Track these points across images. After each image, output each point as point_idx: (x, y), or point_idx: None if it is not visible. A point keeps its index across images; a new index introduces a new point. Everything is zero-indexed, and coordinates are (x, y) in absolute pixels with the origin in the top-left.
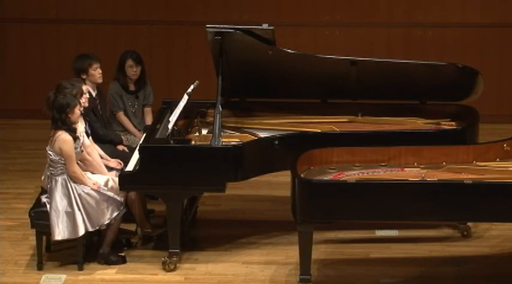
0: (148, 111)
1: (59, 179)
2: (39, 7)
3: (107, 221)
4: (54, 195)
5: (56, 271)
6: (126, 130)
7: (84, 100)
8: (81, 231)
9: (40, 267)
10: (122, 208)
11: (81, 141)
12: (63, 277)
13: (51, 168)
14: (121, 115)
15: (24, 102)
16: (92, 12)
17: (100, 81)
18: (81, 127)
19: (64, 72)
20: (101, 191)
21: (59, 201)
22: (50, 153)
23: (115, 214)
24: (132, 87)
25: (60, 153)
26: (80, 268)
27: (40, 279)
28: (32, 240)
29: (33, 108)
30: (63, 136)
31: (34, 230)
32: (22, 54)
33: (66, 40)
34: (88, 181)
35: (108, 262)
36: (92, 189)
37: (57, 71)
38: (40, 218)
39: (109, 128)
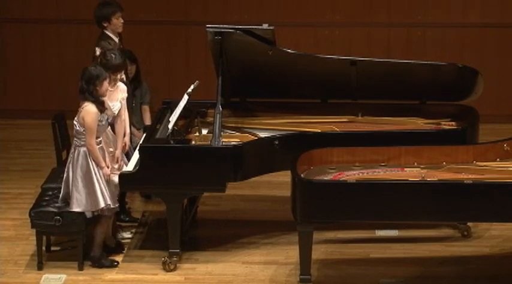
0: (146, 108)
1: (81, 150)
2: (40, 7)
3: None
4: (76, 165)
5: (56, 271)
6: None
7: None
8: (101, 204)
9: (40, 267)
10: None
11: (112, 112)
12: (63, 277)
13: (75, 139)
14: None
15: (25, 102)
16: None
17: (121, 30)
18: (121, 94)
19: (65, 73)
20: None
21: (79, 173)
22: (75, 123)
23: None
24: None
25: (83, 124)
26: (80, 268)
27: (40, 279)
28: (32, 240)
29: (34, 108)
30: (88, 108)
31: (34, 230)
32: (22, 54)
33: (66, 40)
34: (102, 162)
35: (100, 265)
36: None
37: (58, 71)
38: (40, 218)
39: None
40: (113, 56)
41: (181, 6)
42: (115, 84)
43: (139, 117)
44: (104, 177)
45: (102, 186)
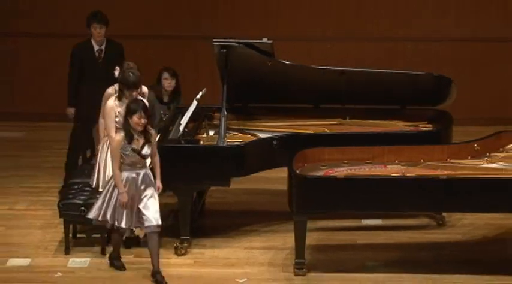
0: None
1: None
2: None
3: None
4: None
5: (81, 255)
6: None
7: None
8: (97, 216)
9: (67, 252)
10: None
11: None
12: (88, 260)
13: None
14: None
15: (54, 107)
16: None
17: (97, 39)
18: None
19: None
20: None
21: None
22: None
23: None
24: (166, 99)
25: None
26: (103, 252)
27: (67, 262)
28: (60, 228)
29: (62, 112)
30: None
31: (62, 219)
32: (53, 64)
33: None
34: (122, 188)
35: (111, 264)
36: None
37: None
38: (67, 209)
39: None
40: (130, 74)
41: (190, 22)
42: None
43: None
44: (119, 201)
45: (107, 201)
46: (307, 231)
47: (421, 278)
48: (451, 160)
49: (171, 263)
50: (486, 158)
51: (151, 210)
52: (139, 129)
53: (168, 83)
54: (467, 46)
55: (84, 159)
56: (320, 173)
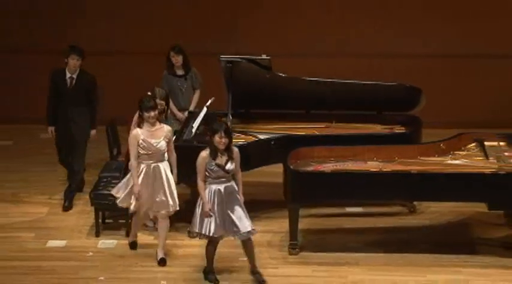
0: (197, 92)
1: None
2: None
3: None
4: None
5: (109, 237)
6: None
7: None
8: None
9: (97, 234)
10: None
11: (155, 147)
12: (115, 242)
13: None
14: None
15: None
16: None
17: (74, 69)
18: (165, 133)
19: (115, 89)
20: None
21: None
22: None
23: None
24: (180, 72)
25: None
26: (128, 235)
27: (98, 243)
28: (92, 215)
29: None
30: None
31: (93, 207)
32: None
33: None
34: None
35: (206, 278)
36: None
37: (112, 87)
38: (98, 199)
39: None
40: (146, 99)
41: (199, 40)
42: (150, 123)
43: (188, 100)
44: (203, 211)
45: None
46: (300, 217)
47: (396, 256)
48: (421, 158)
49: (184, 244)
50: (450, 156)
51: (242, 219)
52: (221, 147)
53: (176, 60)
54: (434, 61)
55: (112, 157)
56: (311, 168)
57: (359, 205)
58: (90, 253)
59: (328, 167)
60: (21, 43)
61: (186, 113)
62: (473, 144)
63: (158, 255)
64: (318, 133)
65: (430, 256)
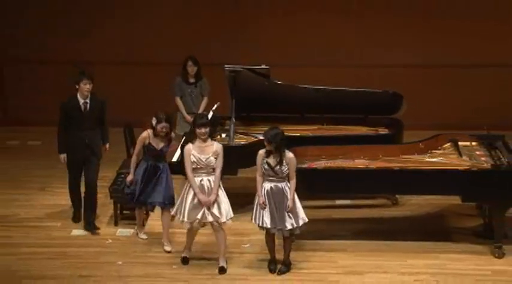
0: (205, 99)
1: None
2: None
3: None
4: None
5: (126, 226)
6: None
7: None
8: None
9: (116, 224)
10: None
11: (204, 162)
12: (131, 230)
13: None
14: (177, 100)
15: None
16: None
17: (86, 94)
18: (214, 150)
19: (131, 95)
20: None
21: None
22: None
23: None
24: (192, 80)
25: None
26: (143, 225)
27: (116, 232)
28: (111, 207)
29: (112, 120)
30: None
31: (112, 200)
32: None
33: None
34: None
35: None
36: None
37: (130, 93)
38: (116, 193)
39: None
40: (198, 116)
41: (205, 52)
42: (202, 139)
43: (197, 105)
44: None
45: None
46: None
47: (380, 244)
48: (402, 156)
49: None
50: (428, 154)
51: (292, 215)
52: (268, 148)
53: (191, 69)
54: (414, 71)
55: (129, 155)
56: (305, 165)
57: (347, 198)
58: (109, 241)
59: (321, 164)
60: (48, 54)
61: None
62: (449, 144)
63: (219, 263)
64: (311, 134)
65: (411, 243)
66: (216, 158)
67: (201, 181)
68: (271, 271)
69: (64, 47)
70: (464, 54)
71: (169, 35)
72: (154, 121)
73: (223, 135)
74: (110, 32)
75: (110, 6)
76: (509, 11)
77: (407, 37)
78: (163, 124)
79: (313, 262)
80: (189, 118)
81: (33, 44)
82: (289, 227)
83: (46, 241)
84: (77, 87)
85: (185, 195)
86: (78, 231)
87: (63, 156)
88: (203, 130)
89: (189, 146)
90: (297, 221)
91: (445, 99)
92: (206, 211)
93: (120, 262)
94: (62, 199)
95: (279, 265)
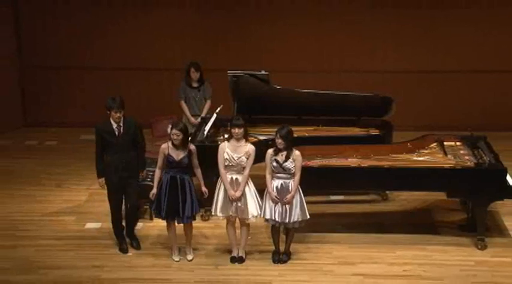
0: (208, 102)
1: None
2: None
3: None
4: None
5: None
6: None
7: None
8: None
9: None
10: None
11: (236, 161)
12: (141, 224)
13: None
14: (182, 103)
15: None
16: (156, 60)
17: (117, 120)
18: (246, 150)
19: (144, 98)
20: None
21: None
22: None
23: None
24: (195, 85)
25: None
26: (151, 218)
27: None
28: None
29: None
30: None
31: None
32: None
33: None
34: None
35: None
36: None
37: (144, 96)
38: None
39: None
40: (235, 117)
41: (209, 58)
42: (236, 139)
43: (200, 108)
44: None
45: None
46: None
47: (372, 236)
48: (392, 155)
49: (199, 226)
50: (416, 153)
51: (297, 208)
52: (279, 146)
53: (194, 75)
54: (404, 76)
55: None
56: (302, 164)
57: (341, 194)
58: None
59: (316, 163)
60: (64, 61)
61: (199, 119)
62: (435, 144)
63: (239, 253)
64: (307, 134)
65: (400, 236)
66: (247, 158)
67: (231, 178)
68: (275, 261)
69: (79, 53)
70: (449, 59)
71: (180, 43)
72: (169, 129)
73: (226, 136)
74: (122, 40)
75: (121, 16)
76: (495, 19)
77: (397, 44)
78: (175, 130)
79: (310, 253)
80: (194, 120)
81: (51, 50)
82: (295, 219)
83: (62, 234)
84: (108, 113)
85: (218, 191)
86: (91, 224)
87: (101, 180)
88: (237, 130)
89: (224, 144)
90: (304, 216)
91: (431, 102)
92: (235, 207)
93: (130, 254)
94: (77, 195)
95: (281, 255)
